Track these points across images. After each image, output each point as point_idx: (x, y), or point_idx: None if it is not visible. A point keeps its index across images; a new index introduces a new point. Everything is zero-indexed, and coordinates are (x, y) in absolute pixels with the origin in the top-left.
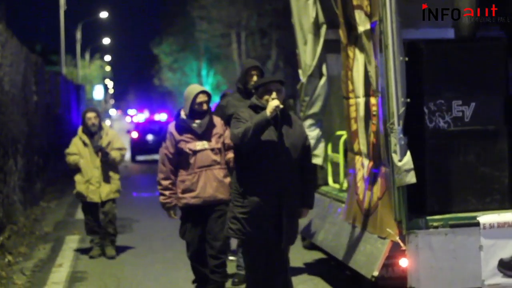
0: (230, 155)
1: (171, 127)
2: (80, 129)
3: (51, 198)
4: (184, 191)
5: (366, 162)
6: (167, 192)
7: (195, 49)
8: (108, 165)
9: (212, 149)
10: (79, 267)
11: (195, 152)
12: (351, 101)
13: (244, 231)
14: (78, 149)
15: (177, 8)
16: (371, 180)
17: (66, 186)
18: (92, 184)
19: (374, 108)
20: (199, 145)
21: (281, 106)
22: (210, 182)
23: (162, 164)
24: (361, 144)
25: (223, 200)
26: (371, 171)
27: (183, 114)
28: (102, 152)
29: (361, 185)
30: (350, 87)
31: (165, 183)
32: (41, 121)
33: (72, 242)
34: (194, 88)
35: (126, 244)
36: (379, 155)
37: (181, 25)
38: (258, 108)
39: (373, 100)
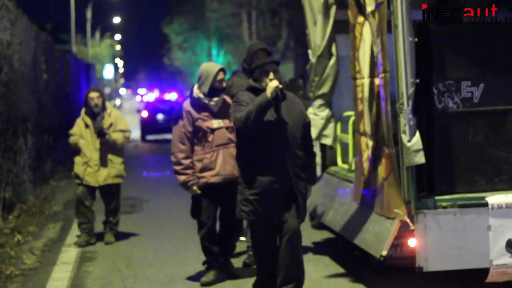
0: None
1: (187, 105)
2: (83, 110)
3: (61, 177)
4: (203, 170)
5: (370, 143)
6: (189, 171)
7: (206, 28)
8: (110, 147)
9: (227, 128)
10: (88, 246)
11: (212, 130)
12: (358, 82)
13: (256, 212)
14: (80, 130)
15: None
16: (376, 160)
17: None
18: (91, 166)
19: (377, 89)
20: (215, 123)
21: (280, 86)
22: (228, 160)
23: (181, 143)
24: (366, 125)
25: None
26: (375, 151)
27: (198, 92)
28: (100, 133)
29: (366, 165)
30: (357, 68)
31: (187, 162)
32: (51, 100)
33: None
34: (213, 66)
35: (136, 224)
36: (382, 136)
37: (191, 5)
38: (257, 90)
39: (377, 81)
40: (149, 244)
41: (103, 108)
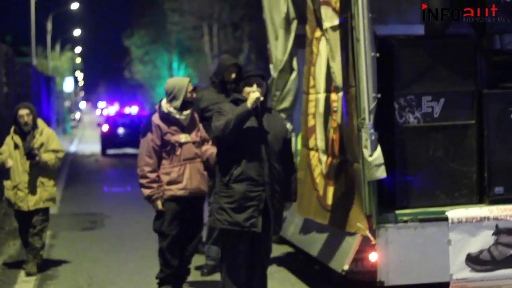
0: (206, 147)
1: (156, 119)
2: (12, 128)
3: None
4: (170, 183)
5: (324, 158)
6: (155, 185)
7: (167, 41)
8: (41, 169)
9: (194, 142)
10: (50, 264)
11: (181, 145)
12: (311, 97)
13: (231, 221)
14: (9, 150)
15: (148, 0)
16: (333, 175)
17: None
18: (21, 190)
19: (335, 104)
20: (183, 137)
21: (262, 98)
22: (194, 174)
23: (148, 157)
24: (319, 139)
25: (205, 192)
26: (331, 166)
27: (168, 107)
28: (29, 155)
29: (320, 181)
30: (311, 83)
31: (153, 175)
32: (11, 113)
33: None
34: (182, 80)
35: (97, 240)
36: (341, 151)
37: (152, 17)
38: (239, 101)
39: (334, 96)
40: (111, 261)
41: (34, 126)
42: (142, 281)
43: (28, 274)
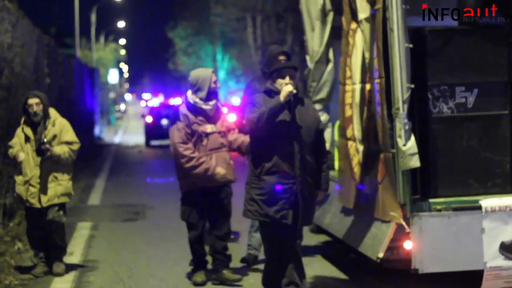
0: (235, 135)
1: (184, 109)
2: (22, 119)
3: None
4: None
5: (361, 147)
6: (203, 159)
7: (210, 33)
8: (53, 163)
9: (219, 132)
10: (90, 255)
11: (207, 135)
12: (348, 88)
13: (262, 212)
14: (20, 143)
15: None
16: (369, 165)
17: (80, 170)
18: (33, 185)
19: (369, 94)
20: (209, 128)
21: (294, 91)
22: (221, 163)
23: (183, 143)
24: (356, 129)
25: (231, 181)
26: (367, 156)
27: (194, 98)
28: (39, 151)
29: (357, 170)
30: (348, 74)
31: (195, 154)
32: (54, 104)
33: (83, 229)
34: (206, 70)
35: (139, 232)
36: (375, 141)
37: (196, 9)
38: (272, 93)
39: (368, 87)
40: (153, 252)
41: (46, 116)
42: (183, 272)
43: (57, 275)
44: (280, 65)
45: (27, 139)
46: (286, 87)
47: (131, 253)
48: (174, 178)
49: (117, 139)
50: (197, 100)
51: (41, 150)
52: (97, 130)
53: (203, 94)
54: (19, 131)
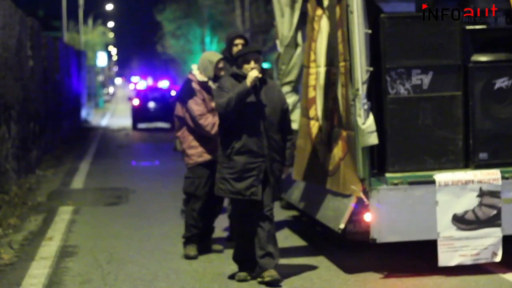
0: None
1: (197, 86)
2: None
3: (47, 166)
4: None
5: (324, 126)
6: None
7: (199, 16)
8: None
9: None
10: (70, 240)
11: (213, 110)
12: (311, 70)
13: (233, 190)
14: None
15: None
16: (331, 142)
17: (64, 153)
18: None
19: (334, 77)
20: (214, 105)
21: (260, 75)
22: None
23: (203, 114)
24: (319, 110)
25: None
26: (330, 134)
27: (202, 77)
28: None
29: (320, 148)
30: (312, 57)
31: (216, 119)
32: (38, 87)
33: (65, 213)
34: (215, 55)
35: (120, 216)
36: (338, 120)
37: None
38: (239, 77)
39: (333, 70)
40: (134, 237)
41: None
42: (163, 258)
43: None
44: (245, 50)
45: None
46: (251, 72)
47: (112, 238)
48: (160, 162)
49: (104, 122)
50: (206, 79)
51: None
52: (84, 113)
53: (210, 73)
54: None
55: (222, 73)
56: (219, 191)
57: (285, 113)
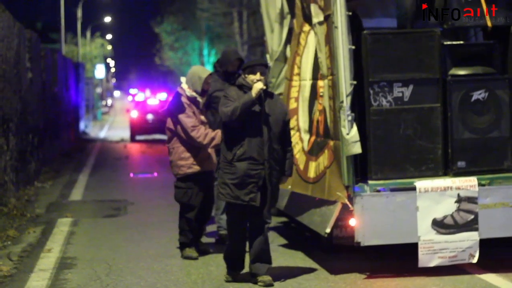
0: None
1: (187, 100)
2: None
3: (46, 178)
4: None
5: (306, 136)
6: (213, 134)
7: (197, 28)
8: None
9: (206, 123)
10: (69, 252)
11: (203, 123)
12: (294, 83)
13: (233, 195)
14: None
15: None
16: (316, 152)
17: (62, 165)
18: None
19: (321, 90)
20: (203, 118)
21: (264, 87)
22: (213, 151)
23: (195, 126)
24: (301, 121)
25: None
26: (314, 144)
27: (191, 91)
28: None
29: (300, 156)
30: (296, 71)
31: (208, 129)
32: (36, 99)
33: (63, 225)
34: (204, 71)
35: (119, 228)
36: (325, 131)
37: (182, 4)
38: (244, 88)
39: (320, 83)
40: (133, 250)
41: None
42: (162, 270)
43: None
44: (253, 62)
45: None
46: (257, 84)
47: (111, 250)
48: (158, 173)
49: (102, 134)
50: (194, 93)
51: None
52: (82, 125)
53: (198, 88)
54: None
55: (209, 87)
56: (219, 195)
57: (286, 124)
